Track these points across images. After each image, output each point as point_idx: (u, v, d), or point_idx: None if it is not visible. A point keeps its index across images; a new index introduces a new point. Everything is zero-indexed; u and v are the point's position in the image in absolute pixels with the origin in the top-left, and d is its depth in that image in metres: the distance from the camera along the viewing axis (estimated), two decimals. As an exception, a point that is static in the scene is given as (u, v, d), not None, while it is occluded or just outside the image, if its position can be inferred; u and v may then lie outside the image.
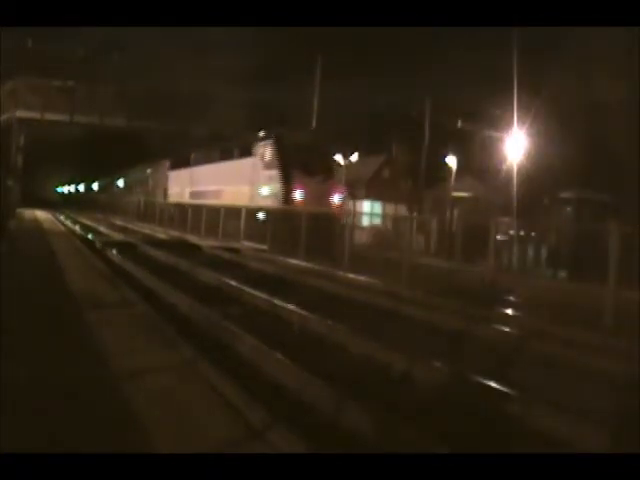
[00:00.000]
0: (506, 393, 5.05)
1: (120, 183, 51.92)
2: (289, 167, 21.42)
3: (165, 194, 35.00)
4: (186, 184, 31.96)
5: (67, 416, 3.59)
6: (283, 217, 20.14)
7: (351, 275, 12.88)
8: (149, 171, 40.54)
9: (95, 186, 68.43)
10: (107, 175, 57.70)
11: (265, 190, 22.51)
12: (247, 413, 3.76)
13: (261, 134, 23.60)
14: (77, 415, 3.62)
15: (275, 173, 21.83)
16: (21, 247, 14.57)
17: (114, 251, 15.66)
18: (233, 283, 11.07)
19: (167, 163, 35.49)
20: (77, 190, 79.78)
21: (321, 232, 17.82)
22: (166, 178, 35.66)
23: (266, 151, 22.79)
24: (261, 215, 21.84)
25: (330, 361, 6.24)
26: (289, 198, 20.99)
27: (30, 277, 9.36)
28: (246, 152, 24.44)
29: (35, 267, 10.69)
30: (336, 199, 21.81)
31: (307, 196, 20.90)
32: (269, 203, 21.75)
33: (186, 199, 30.93)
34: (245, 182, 23.88)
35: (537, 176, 20.94)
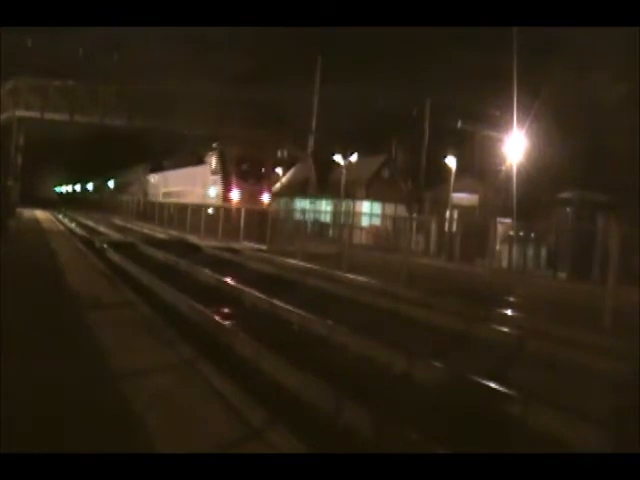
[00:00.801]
0: (504, 392, 5.05)
1: (111, 184, 54.68)
2: (228, 173, 27.65)
3: (145, 194, 40.73)
4: (160, 186, 37.91)
5: (67, 416, 3.59)
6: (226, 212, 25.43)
7: (351, 275, 12.87)
8: (134, 174, 45.27)
9: (93, 186, 68.49)
10: (104, 175, 58.06)
11: (212, 191, 28.72)
12: (247, 413, 3.78)
13: (213, 146, 29.72)
14: (77, 414, 3.62)
15: (218, 178, 28.15)
16: (21, 247, 14.55)
17: (114, 251, 15.63)
18: (232, 282, 11.08)
19: (148, 167, 41.33)
20: (75, 190, 79.76)
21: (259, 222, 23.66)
22: (146, 180, 41.52)
23: (212, 160, 29.06)
24: (210, 210, 26.80)
25: (328, 360, 6.25)
26: (227, 197, 27.16)
27: (30, 277, 9.35)
28: (201, 160, 30.69)
29: (35, 267, 10.68)
30: (265, 198, 27.99)
31: (242, 196, 26.99)
32: (214, 201, 27.76)
33: (160, 198, 36.29)
34: (199, 185, 30.24)
35: (537, 176, 20.90)
